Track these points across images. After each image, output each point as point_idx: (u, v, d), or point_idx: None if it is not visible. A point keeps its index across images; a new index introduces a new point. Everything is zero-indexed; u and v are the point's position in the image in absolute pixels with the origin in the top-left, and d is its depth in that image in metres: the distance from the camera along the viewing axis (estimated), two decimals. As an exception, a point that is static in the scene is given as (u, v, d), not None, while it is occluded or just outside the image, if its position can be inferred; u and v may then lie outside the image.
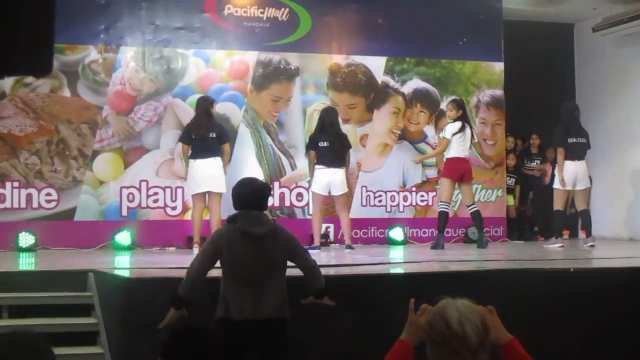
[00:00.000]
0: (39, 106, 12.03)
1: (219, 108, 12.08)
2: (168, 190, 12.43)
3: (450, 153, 11.94)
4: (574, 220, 14.05)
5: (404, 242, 13.17)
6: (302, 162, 12.60)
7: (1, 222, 11.79)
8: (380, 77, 13.57)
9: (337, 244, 12.70)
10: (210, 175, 11.13)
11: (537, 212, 14.56)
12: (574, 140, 12.20)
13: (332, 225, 12.82)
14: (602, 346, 8.12)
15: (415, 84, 13.72)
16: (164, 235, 12.29)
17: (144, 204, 12.35)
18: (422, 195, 13.67)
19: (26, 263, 10.30)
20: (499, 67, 14.10)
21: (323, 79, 13.30)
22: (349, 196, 12.54)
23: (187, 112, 12.35)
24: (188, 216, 12.18)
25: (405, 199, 13.59)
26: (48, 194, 12.00)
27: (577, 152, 12.19)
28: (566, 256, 11.13)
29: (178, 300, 5.94)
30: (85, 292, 8.07)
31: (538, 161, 14.56)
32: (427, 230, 13.41)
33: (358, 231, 13.03)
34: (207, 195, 11.22)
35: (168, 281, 7.75)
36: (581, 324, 8.11)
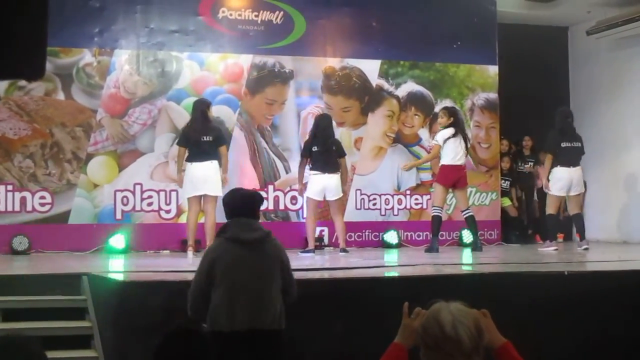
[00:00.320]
0: (33, 109, 12.01)
1: (213, 111, 12.07)
2: (162, 194, 12.42)
3: (445, 160, 11.93)
4: (569, 224, 14.06)
5: (398, 246, 13.18)
6: (296, 166, 12.56)
7: (-5, 225, 11.80)
8: (374, 80, 13.57)
9: (332, 247, 12.70)
10: (206, 179, 11.11)
11: (531, 214, 14.60)
12: (568, 144, 12.20)
13: (326, 229, 12.82)
14: (596, 349, 8.13)
15: (409, 87, 13.72)
16: (158, 238, 12.27)
17: (138, 207, 12.34)
18: (416, 199, 13.67)
19: (20, 266, 10.28)
20: (493, 70, 14.11)
21: (317, 82, 13.31)
22: (343, 199, 12.54)
23: (181, 115, 12.35)
24: (182, 219, 12.18)
25: (399, 202, 13.60)
26: (42, 197, 11.99)
27: (572, 158, 12.18)
28: (560, 259, 11.14)
29: (191, 321, 5.75)
30: (79, 295, 8.06)
31: (531, 163, 14.60)
32: (421, 233, 13.41)
33: (352, 234, 13.02)
34: (202, 198, 11.21)
35: (162, 285, 7.77)
36: (575, 327, 8.12)
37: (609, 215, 14.71)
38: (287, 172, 12.99)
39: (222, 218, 6.96)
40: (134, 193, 12.33)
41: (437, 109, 13.42)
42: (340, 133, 12.77)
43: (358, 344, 7.19)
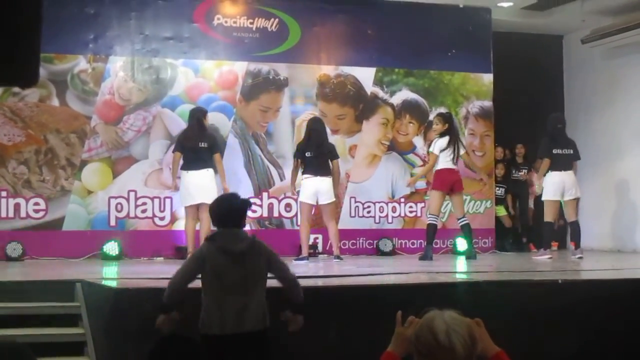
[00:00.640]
0: (28, 115, 12.01)
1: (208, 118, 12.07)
2: (156, 201, 12.41)
3: (439, 165, 11.95)
4: (563, 232, 14.06)
5: (393, 253, 13.17)
6: (290, 173, 12.57)
7: (-11, 231, 11.78)
8: (369, 87, 13.58)
9: (326, 255, 12.70)
10: (202, 187, 11.17)
11: (525, 222, 14.62)
12: (560, 151, 12.20)
13: (320, 236, 12.82)
14: (590, 358, 8.12)
15: (404, 94, 13.73)
16: (152, 245, 12.27)
17: (132, 214, 12.33)
18: (410, 207, 13.67)
19: (14, 273, 10.25)
20: (487, 78, 14.13)
21: (312, 90, 13.31)
22: (337, 206, 12.53)
23: (175, 122, 12.35)
24: (176, 226, 12.19)
25: (394, 210, 13.60)
26: (36, 204, 11.98)
27: (563, 163, 12.19)
28: (554, 268, 11.12)
29: (164, 306, 5.97)
30: (72, 302, 8.04)
31: (525, 170, 14.61)
32: (415, 241, 13.41)
33: (347, 242, 13.01)
34: (198, 206, 11.22)
35: (156, 291, 7.72)
36: (569, 335, 8.10)
37: (602, 223, 14.71)
38: (281, 180, 12.98)
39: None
40: (128, 200, 12.32)
41: (431, 116, 13.41)
42: (335, 140, 12.75)
43: (351, 352, 7.17)
